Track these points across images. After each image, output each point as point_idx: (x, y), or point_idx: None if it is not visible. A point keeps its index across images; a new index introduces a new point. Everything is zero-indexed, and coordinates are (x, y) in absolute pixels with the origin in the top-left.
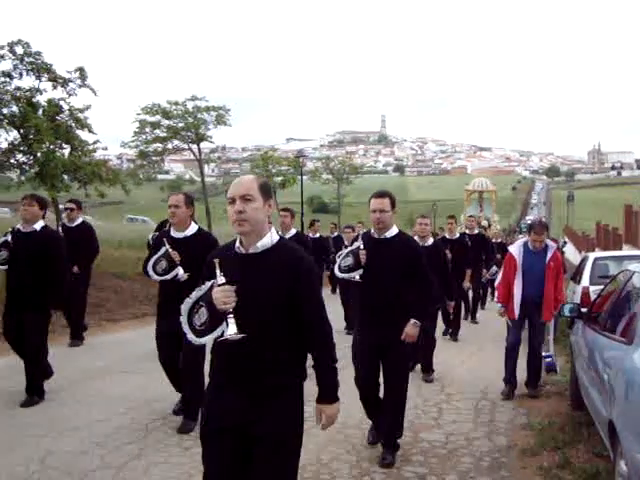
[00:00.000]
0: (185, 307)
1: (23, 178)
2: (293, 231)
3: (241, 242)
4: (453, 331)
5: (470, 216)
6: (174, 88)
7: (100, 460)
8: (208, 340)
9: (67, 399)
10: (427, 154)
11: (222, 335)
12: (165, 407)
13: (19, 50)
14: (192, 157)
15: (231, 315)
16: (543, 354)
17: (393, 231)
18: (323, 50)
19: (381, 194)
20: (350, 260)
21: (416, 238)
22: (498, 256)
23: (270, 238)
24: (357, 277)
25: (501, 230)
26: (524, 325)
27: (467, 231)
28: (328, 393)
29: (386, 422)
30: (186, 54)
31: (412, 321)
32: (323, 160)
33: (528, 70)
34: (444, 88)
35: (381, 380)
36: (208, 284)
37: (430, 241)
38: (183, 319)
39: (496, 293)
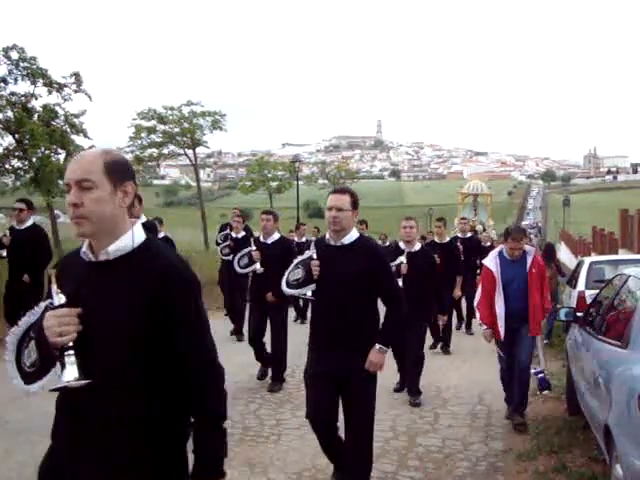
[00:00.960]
0: (11, 339)
1: (18, 183)
2: (276, 235)
3: (90, 245)
4: (444, 343)
5: (463, 218)
6: (170, 93)
7: None
8: (38, 388)
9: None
10: (423, 159)
11: (60, 381)
12: None
13: (14, 55)
14: (188, 162)
15: (70, 352)
16: (533, 370)
17: (353, 236)
18: (319, 55)
19: (340, 190)
20: (300, 273)
21: (401, 244)
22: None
23: (129, 239)
24: (309, 293)
25: (497, 235)
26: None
27: (459, 234)
28: (209, 465)
29: (349, 473)
30: (182, 59)
31: (377, 346)
32: (319, 165)
33: (524, 75)
34: (440, 93)
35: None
36: (42, 305)
37: (417, 246)
38: (8, 357)
39: (477, 314)
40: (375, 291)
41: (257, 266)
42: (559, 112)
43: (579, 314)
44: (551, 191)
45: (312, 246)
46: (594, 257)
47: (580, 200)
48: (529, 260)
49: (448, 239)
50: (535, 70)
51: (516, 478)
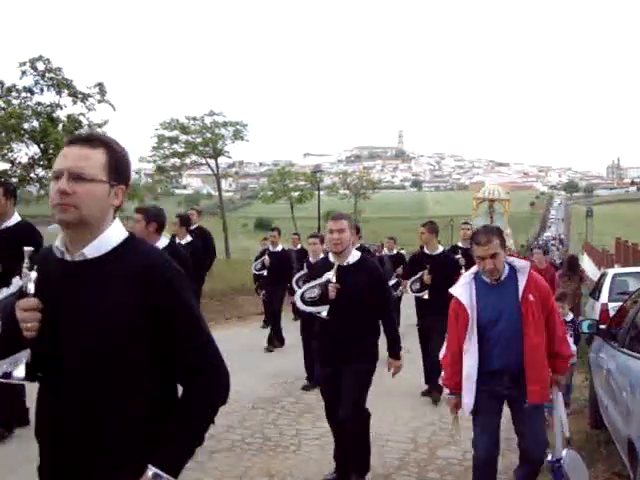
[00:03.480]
0: None
1: (42, 192)
2: (163, 241)
3: None
4: (430, 389)
5: (465, 223)
6: (192, 103)
7: None
8: None
9: None
10: (445, 169)
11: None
12: None
13: (40, 66)
14: (210, 172)
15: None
16: (548, 459)
17: (111, 239)
18: (342, 66)
19: (85, 139)
20: None
21: (330, 256)
22: None
23: None
24: (18, 374)
25: (519, 246)
26: (501, 415)
27: (460, 243)
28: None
29: None
30: (205, 70)
31: (150, 473)
32: (340, 175)
33: (547, 85)
34: (462, 103)
35: None
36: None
37: (354, 257)
38: None
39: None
40: (158, 353)
41: None
42: (582, 122)
43: (602, 326)
44: (574, 202)
45: (25, 267)
46: (617, 269)
47: (603, 211)
48: (522, 281)
49: (441, 249)
50: (559, 80)
51: None
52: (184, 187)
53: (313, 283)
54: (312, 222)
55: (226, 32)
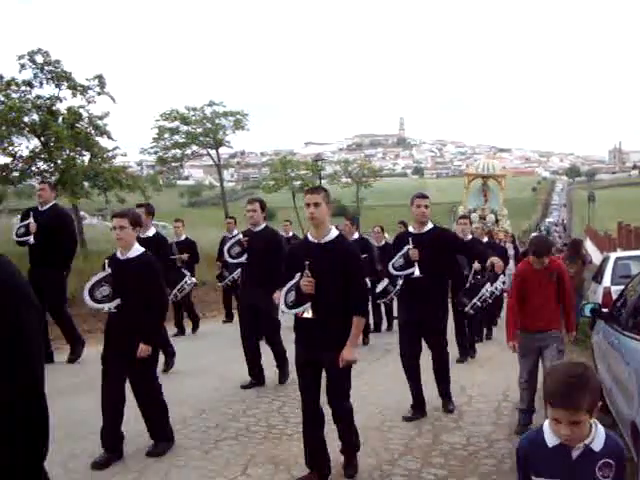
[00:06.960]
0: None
1: None
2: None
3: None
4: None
5: (421, 196)
6: (192, 94)
7: (121, 464)
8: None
9: (89, 402)
10: (446, 156)
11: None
12: (184, 411)
13: (39, 59)
14: (211, 162)
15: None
16: None
17: None
18: (341, 54)
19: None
20: None
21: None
22: (476, 265)
23: None
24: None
25: (522, 231)
26: None
27: (412, 228)
28: None
29: None
30: (204, 60)
31: None
32: (342, 164)
33: (548, 69)
34: (463, 89)
35: None
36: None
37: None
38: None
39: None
40: None
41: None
42: (583, 107)
43: (605, 310)
44: (576, 187)
45: None
46: (620, 253)
47: (605, 195)
48: None
49: (334, 235)
50: (559, 64)
51: None
52: (186, 178)
53: None
54: None
55: (225, 21)
